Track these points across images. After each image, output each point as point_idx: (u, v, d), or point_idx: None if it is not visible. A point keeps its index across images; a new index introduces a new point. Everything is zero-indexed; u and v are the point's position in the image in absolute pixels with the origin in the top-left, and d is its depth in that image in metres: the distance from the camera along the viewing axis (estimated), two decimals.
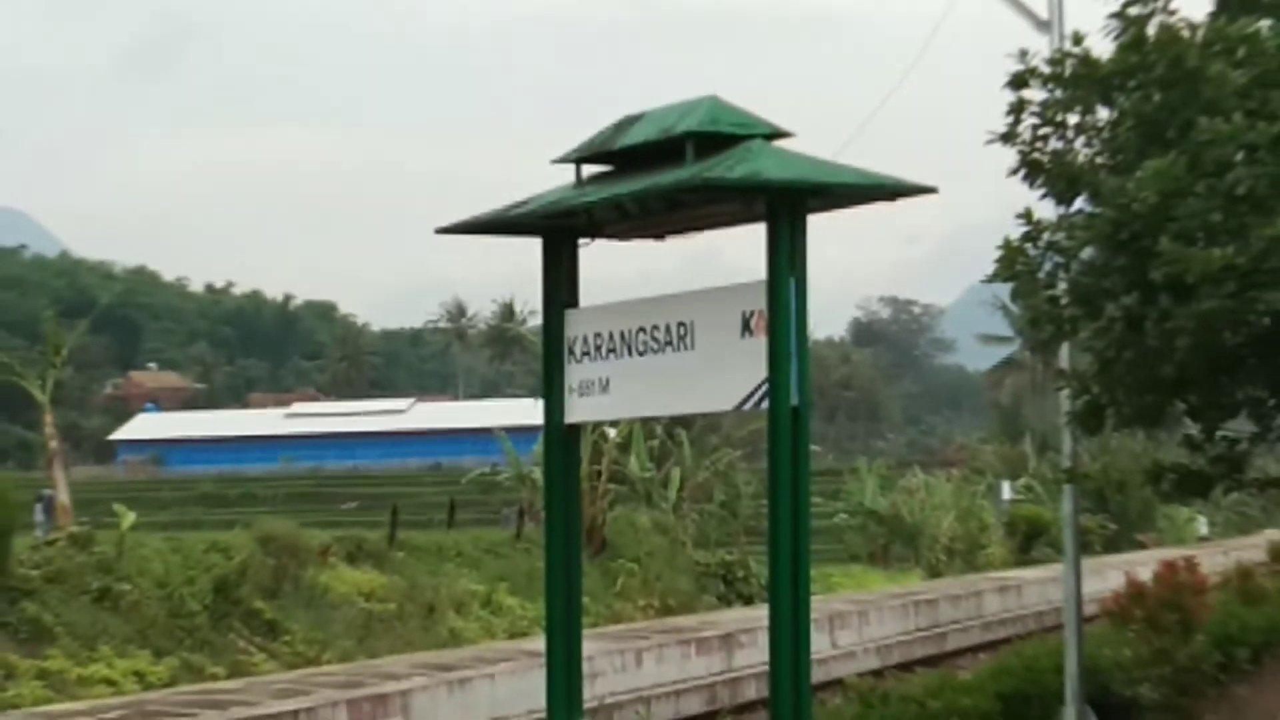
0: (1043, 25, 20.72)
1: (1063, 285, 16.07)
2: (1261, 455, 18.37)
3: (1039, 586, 43.32)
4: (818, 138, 13.13)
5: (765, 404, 10.96)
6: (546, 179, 12.87)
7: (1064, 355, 18.41)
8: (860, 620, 37.07)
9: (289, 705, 22.66)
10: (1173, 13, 15.64)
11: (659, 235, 13.16)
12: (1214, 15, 15.63)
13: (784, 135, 11.59)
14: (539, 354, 14.53)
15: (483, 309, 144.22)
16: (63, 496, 42.39)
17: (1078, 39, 16.32)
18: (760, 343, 10.96)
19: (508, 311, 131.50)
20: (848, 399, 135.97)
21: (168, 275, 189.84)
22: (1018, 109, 16.12)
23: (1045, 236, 15.93)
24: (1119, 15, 15.70)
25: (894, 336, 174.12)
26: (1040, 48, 17.55)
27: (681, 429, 54.62)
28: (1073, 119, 16.05)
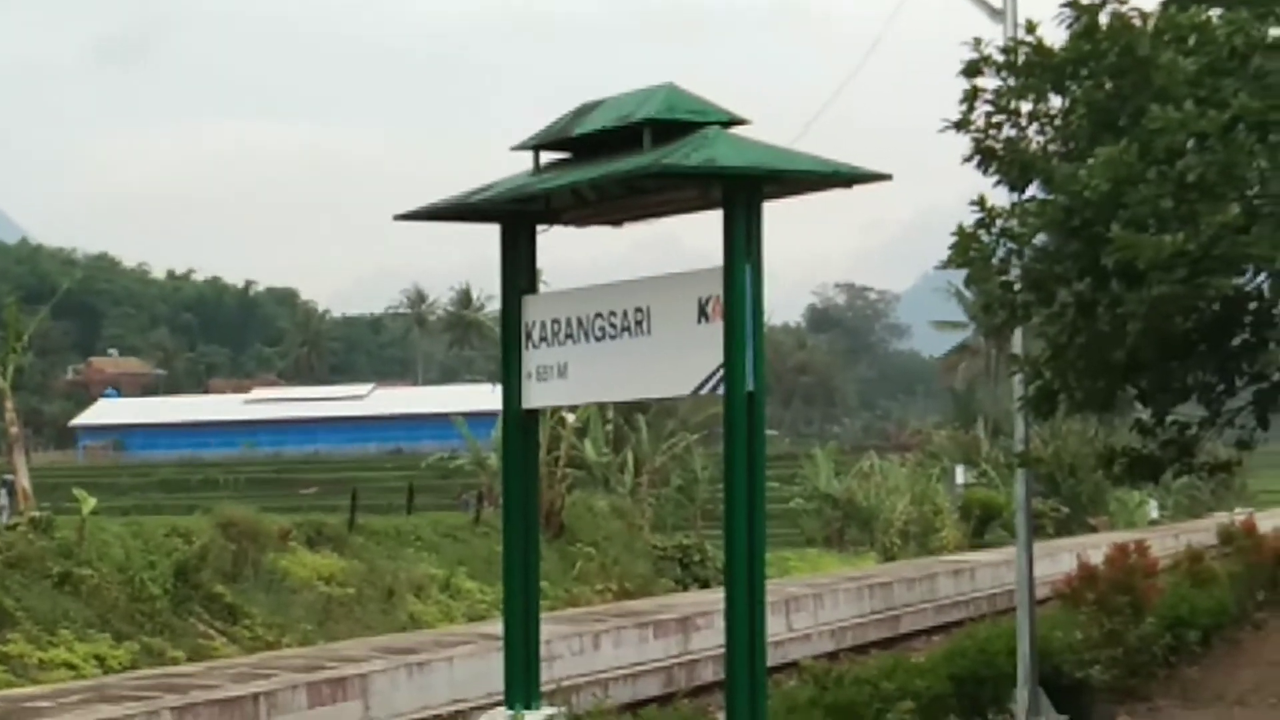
0: (996, 14, 20.44)
1: (1015, 271, 16.01)
2: (1211, 439, 18.45)
3: (992, 569, 43.64)
4: (782, 127, 13.28)
5: (721, 389, 11.24)
6: (509, 168, 12.88)
7: (1017, 341, 18.34)
8: (815, 603, 37.22)
9: (249, 689, 22.61)
10: (1124, 1, 15.52)
11: (617, 222, 13.41)
12: (1165, 4, 15.59)
13: (741, 122, 11.68)
14: (497, 340, 14.24)
15: (442, 296, 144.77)
16: (24, 482, 42.17)
17: (1031, 27, 16.16)
18: (716, 328, 11.16)
19: (465, 298, 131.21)
20: (803, 384, 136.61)
21: (129, 262, 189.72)
22: (971, 97, 16.01)
23: (998, 223, 15.76)
24: (1072, 4, 15.58)
25: (850, 322, 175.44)
26: (994, 36, 17.51)
27: (639, 413, 54.99)
28: (1025, 107, 16.00)
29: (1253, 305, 15.53)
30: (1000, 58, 16.07)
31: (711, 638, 27.72)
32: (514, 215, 13.16)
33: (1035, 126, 16.08)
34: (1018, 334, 18.07)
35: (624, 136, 11.78)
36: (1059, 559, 32.86)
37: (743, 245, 11.32)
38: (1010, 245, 15.70)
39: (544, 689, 14.08)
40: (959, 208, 16.40)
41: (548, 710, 13.49)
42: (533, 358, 13.09)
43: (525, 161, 12.65)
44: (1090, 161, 14.30)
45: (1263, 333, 15.79)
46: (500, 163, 12.84)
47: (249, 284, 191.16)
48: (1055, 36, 15.84)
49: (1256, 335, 15.81)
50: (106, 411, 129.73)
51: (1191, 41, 14.50)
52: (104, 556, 33.98)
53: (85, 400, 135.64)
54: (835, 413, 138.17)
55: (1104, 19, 15.46)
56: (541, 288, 13.90)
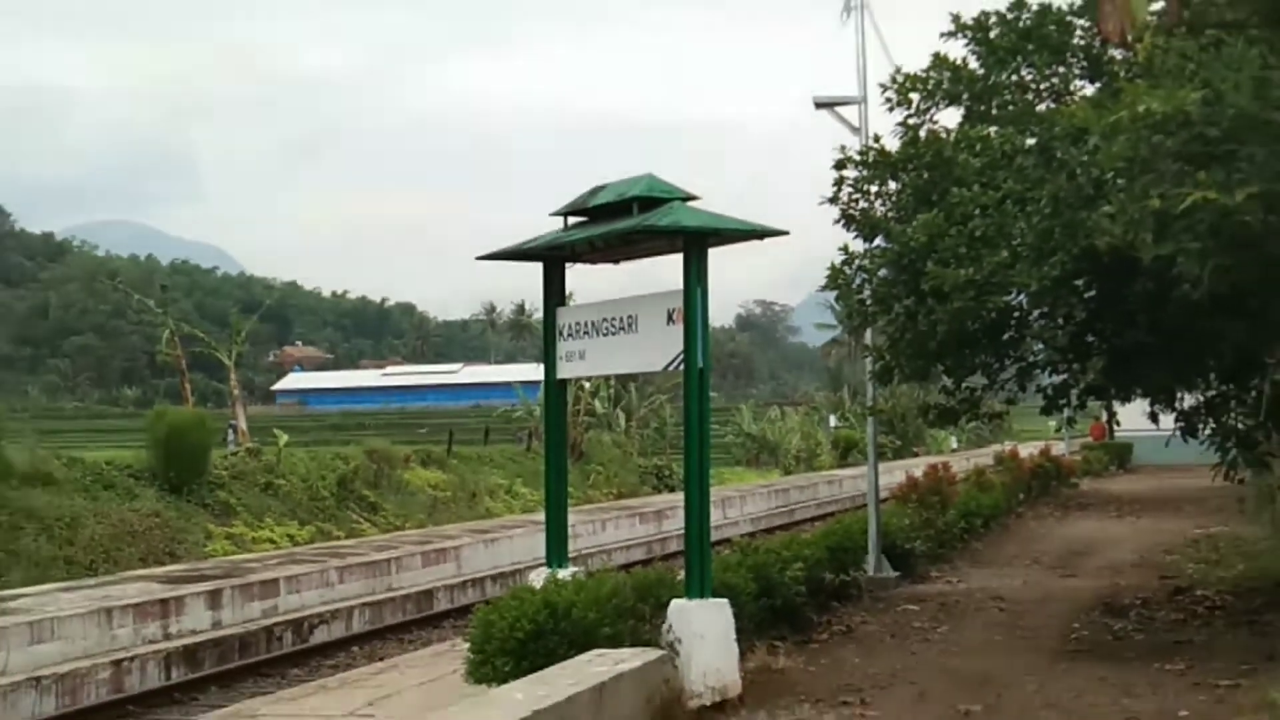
0: (855, 130, 22.60)
1: (866, 292, 18.03)
2: (989, 398, 19.95)
3: (853, 480, 51.21)
4: (722, 196, 16.33)
5: (682, 366, 13.54)
6: (543, 226, 15.48)
7: (868, 336, 19.99)
8: (740, 502, 43.85)
9: (384, 555, 26.62)
10: (936, 123, 18.03)
11: (616, 261, 15.90)
12: (961, 123, 17.85)
13: (694, 198, 14.12)
14: (541, 335, 16.14)
15: (506, 306, 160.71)
16: (242, 425, 48.72)
17: (876, 139, 18.52)
18: (679, 328, 13.42)
19: (520, 308, 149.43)
20: (733, 364, 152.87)
21: (308, 285, 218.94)
22: (839, 182, 18.31)
23: (856, 262, 18.08)
24: (903, 124, 18.10)
25: (763, 325, 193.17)
26: (854, 144, 19.82)
27: (630, 382, 62.86)
28: (873, 188, 18.20)
29: (1016, 314, 17.37)
30: (857, 158, 18.34)
31: (676, 523, 31.24)
32: (551, 257, 15.48)
33: (879, 201, 18.25)
34: (869, 332, 19.98)
35: (621, 207, 13.97)
36: (894, 474, 35.70)
37: (695, 276, 13.40)
38: (863, 275, 17.95)
39: (570, 556, 16.03)
40: (831, 251, 18.65)
41: (572, 569, 15.11)
42: (563, 347, 15.30)
43: (558, 220, 14.89)
44: (914, 223, 16.63)
45: (1022, 331, 17.74)
46: (541, 221, 15.97)
47: (383, 299, 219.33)
48: (892, 144, 18.09)
49: (1018, 332, 17.78)
50: (294, 381, 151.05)
51: (978, 148, 16.75)
52: (293, 472, 39.56)
53: (281, 373, 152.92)
54: (753, 382, 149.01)
55: (923, 133, 17.80)
56: (569, 302, 15.91)
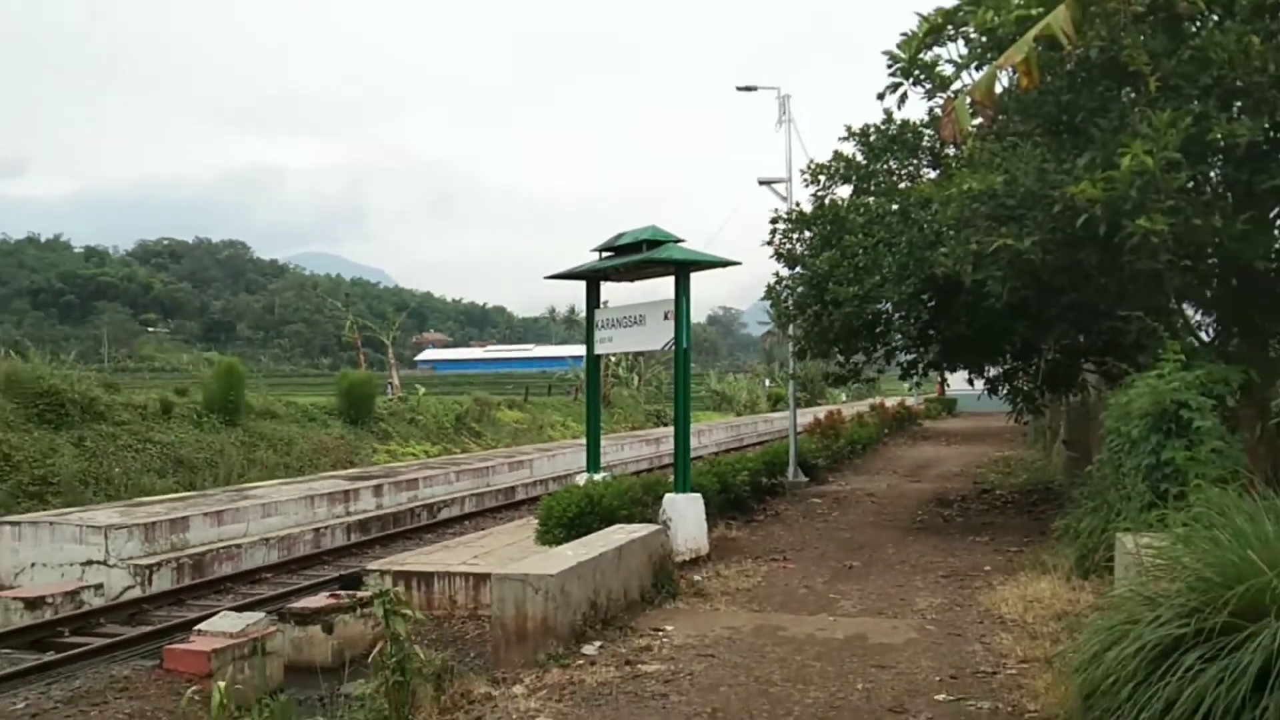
0: (784, 198, 22.81)
1: (790, 301, 17.69)
2: (866, 369, 19.56)
3: (780, 420, 48.26)
4: (701, 240, 16.54)
5: (673, 348, 13.75)
6: (579, 256, 15.45)
7: (791, 329, 19.06)
8: (709, 432, 42.98)
9: (484, 464, 26.44)
10: (835, 194, 17.91)
11: (632, 280, 15.78)
12: (851, 195, 17.70)
13: (682, 240, 14.16)
14: (585, 326, 15.97)
15: (562, 306, 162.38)
16: (395, 382, 49.62)
17: (797, 204, 18.79)
18: (671, 323, 13.72)
19: (572, 309, 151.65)
20: (705, 346, 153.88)
21: (436, 293, 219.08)
22: (773, 231, 18.03)
23: (783, 282, 17.79)
24: (814, 195, 17.97)
25: (724, 321, 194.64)
26: (783, 207, 20.15)
27: (640, 357, 62.35)
28: (795, 236, 17.84)
29: (884, 316, 17.18)
30: (785, 216, 18.26)
31: (668, 446, 30.80)
32: (591, 277, 15.31)
33: (799, 244, 17.80)
34: (791, 327, 18.87)
35: (635, 246, 14.16)
36: (806, 417, 33.99)
37: (682, 290, 13.55)
38: (788, 291, 17.66)
39: (602, 467, 15.93)
40: (767, 275, 18.35)
41: (603, 474, 15.22)
42: (598, 334, 15.23)
43: (593, 254, 14.80)
44: (820, 258, 16.59)
45: (888, 327, 17.49)
46: (574, 252, 16.28)
47: (485, 303, 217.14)
48: (808, 207, 17.97)
49: (885, 328, 17.50)
50: (428, 354, 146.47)
51: (862, 210, 16.68)
52: (426, 411, 40.07)
53: (419, 349, 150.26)
54: (718, 358, 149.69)
55: (827, 201, 17.66)
56: (603, 305, 15.71)
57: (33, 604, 13.09)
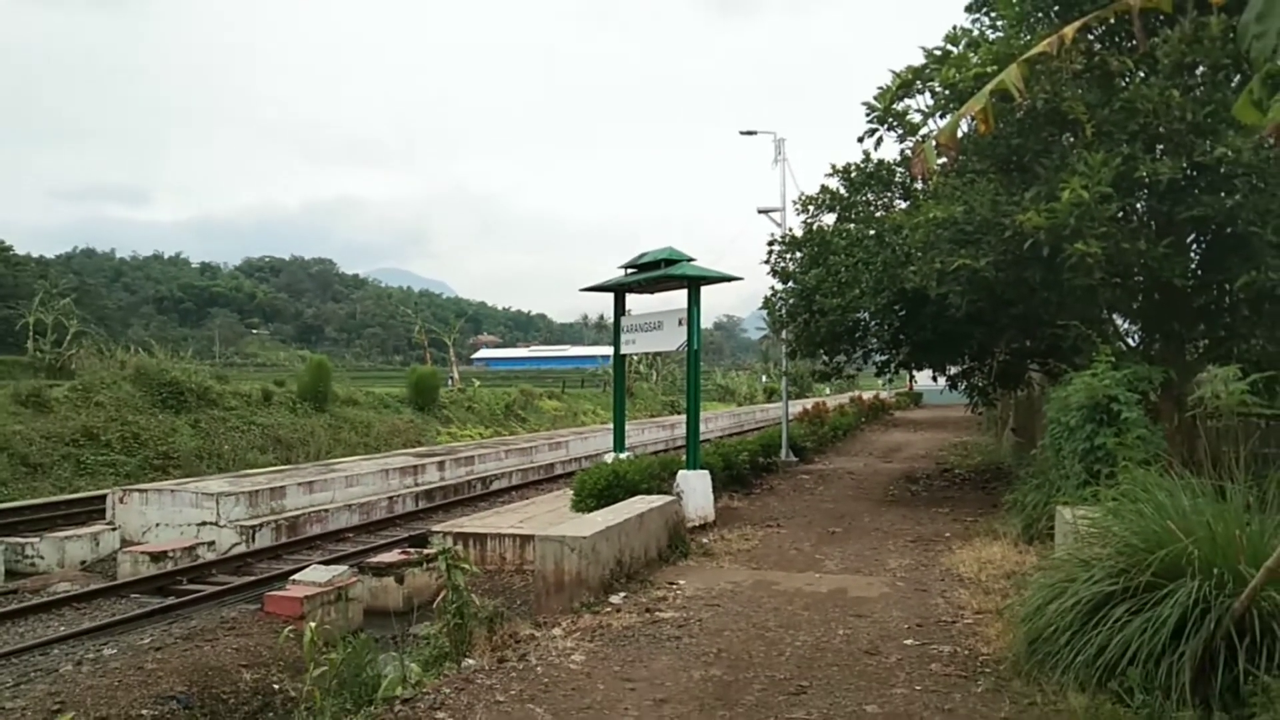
0: (779, 224, 22.69)
1: (783, 310, 17.27)
2: (847, 368, 18.91)
3: (775, 410, 46.90)
4: (709, 259, 16.12)
5: (685, 349, 13.57)
6: (607, 271, 15.08)
7: (784, 334, 18.49)
8: (714, 420, 41.81)
9: (529, 445, 26.03)
10: (821, 221, 17.59)
11: (653, 292, 15.23)
12: (835, 222, 17.39)
13: (694, 259, 14.05)
14: (612, 331, 15.53)
15: (593, 314, 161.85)
16: (456, 376, 50.90)
17: (791, 231, 18.05)
18: (684, 328, 13.55)
19: (601, 317, 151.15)
20: (711, 348, 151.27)
21: (489, 303, 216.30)
22: (770, 252, 17.89)
23: (777, 295, 17.47)
24: (804, 222, 17.67)
25: (727, 328, 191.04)
26: (778, 231, 19.48)
27: (659, 356, 62.00)
28: (788, 256, 17.60)
29: (862, 324, 16.81)
30: (781, 240, 17.97)
31: (680, 430, 29.15)
32: (618, 290, 15.07)
33: (791, 262, 17.50)
34: (785, 332, 18.26)
35: (655, 264, 14.03)
36: (796, 407, 33.84)
37: (695, 301, 13.40)
38: (781, 302, 17.33)
39: (626, 448, 15.73)
40: (764, 288, 17.99)
41: (627, 454, 15.10)
42: (624, 337, 15.09)
43: (618, 270, 14.58)
44: (809, 275, 16.36)
45: (865, 333, 17.15)
46: (600, 267, 16.19)
47: (530, 310, 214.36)
48: (799, 232, 17.60)
49: (863, 334, 17.17)
50: (482, 354, 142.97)
51: (844, 235, 16.39)
52: (480, 400, 39.21)
53: (475, 349, 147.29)
54: (722, 358, 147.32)
55: (815, 227, 17.41)
56: (627, 313, 15.30)
57: (157, 557, 13.20)
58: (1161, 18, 10.35)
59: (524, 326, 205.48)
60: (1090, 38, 10.72)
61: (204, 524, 15.34)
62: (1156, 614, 5.16)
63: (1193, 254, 11.43)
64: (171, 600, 11.56)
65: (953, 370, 19.02)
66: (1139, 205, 11.28)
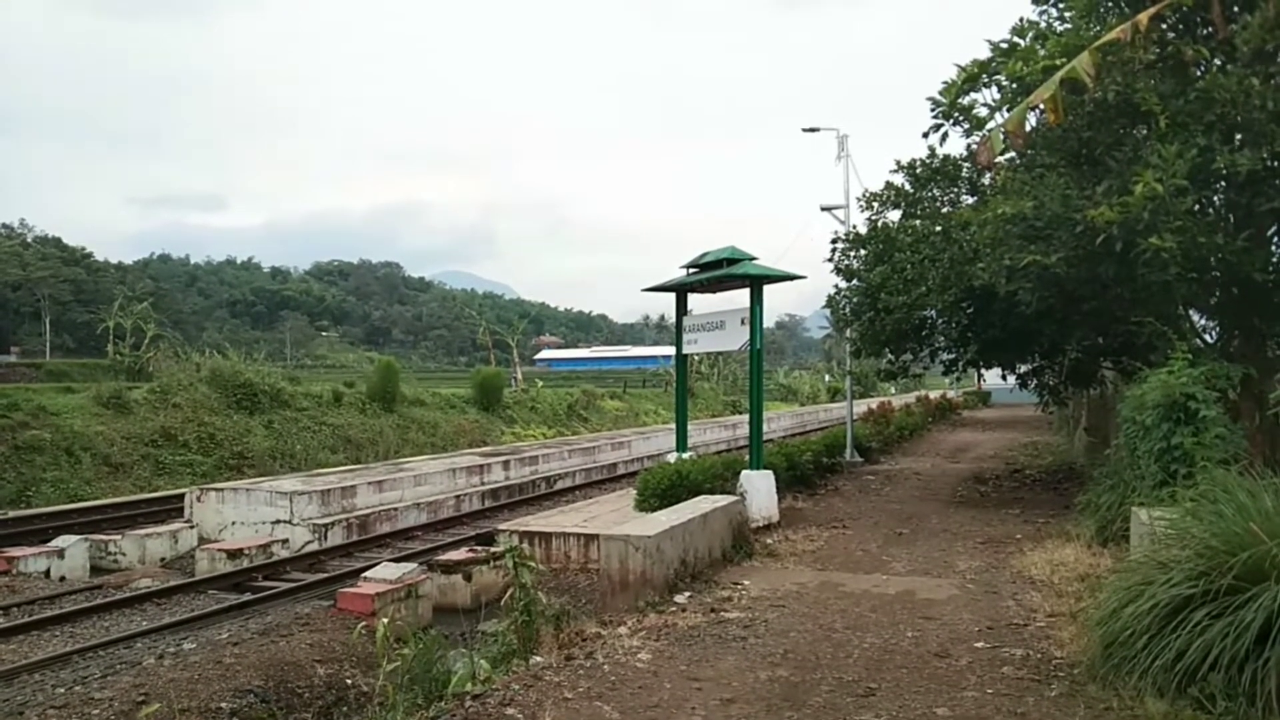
0: (842, 222, 22.51)
1: (847, 309, 17.26)
2: (913, 366, 18.71)
3: (839, 410, 46.61)
4: (771, 257, 15.88)
5: (748, 349, 13.33)
6: (668, 271, 15.13)
7: (848, 333, 18.66)
8: (777, 420, 41.40)
9: (592, 444, 26.10)
10: (886, 218, 17.30)
11: (715, 291, 15.09)
12: (900, 218, 17.09)
13: (755, 258, 13.89)
14: (674, 331, 15.45)
15: (655, 314, 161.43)
16: (519, 376, 51.13)
17: (855, 228, 17.82)
18: (747, 328, 13.35)
19: (662, 318, 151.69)
20: (773, 347, 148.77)
21: (551, 304, 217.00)
22: (834, 250, 17.77)
23: (841, 293, 17.44)
24: (868, 220, 17.36)
25: (789, 327, 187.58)
26: (841, 229, 19.20)
27: (721, 356, 61.83)
28: (852, 253, 17.48)
29: (929, 322, 16.67)
30: (843, 237, 17.75)
31: (743, 431, 30.63)
32: (680, 289, 14.95)
33: (855, 260, 17.28)
34: (849, 330, 18.36)
35: (716, 263, 13.89)
36: (860, 407, 33.24)
37: (756, 300, 13.14)
38: (845, 300, 17.30)
39: (689, 448, 15.85)
40: (827, 286, 18.07)
41: (689, 453, 15.16)
42: (685, 337, 14.98)
43: (681, 270, 14.47)
44: (873, 272, 16.17)
45: (932, 331, 16.99)
46: (663, 267, 16.13)
47: (591, 311, 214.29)
48: (863, 229, 17.31)
49: (930, 332, 17.00)
50: (545, 354, 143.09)
51: (910, 231, 16.07)
52: (544, 400, 39.50)
53: (538, 349, 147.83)
54: (784, 358, 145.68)
55: (879, 224, 17.11)
56: (689, 313, 15.27)
57: (233, 554, 13.45)
58: (1240, 3, 10.05)
59: (585, 327, 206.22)
60: (1163, 26, 10.45)
61: (278, 522, 15.65)
62: (1239, 618, 5.00)
63: (1273, 247, 11.08)
64: (248, 596, 11.78)
65: (1023, 369, 18.67)
66: (1216, 198, 11.00)
